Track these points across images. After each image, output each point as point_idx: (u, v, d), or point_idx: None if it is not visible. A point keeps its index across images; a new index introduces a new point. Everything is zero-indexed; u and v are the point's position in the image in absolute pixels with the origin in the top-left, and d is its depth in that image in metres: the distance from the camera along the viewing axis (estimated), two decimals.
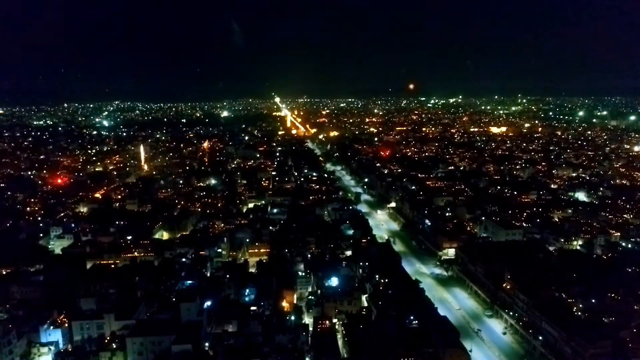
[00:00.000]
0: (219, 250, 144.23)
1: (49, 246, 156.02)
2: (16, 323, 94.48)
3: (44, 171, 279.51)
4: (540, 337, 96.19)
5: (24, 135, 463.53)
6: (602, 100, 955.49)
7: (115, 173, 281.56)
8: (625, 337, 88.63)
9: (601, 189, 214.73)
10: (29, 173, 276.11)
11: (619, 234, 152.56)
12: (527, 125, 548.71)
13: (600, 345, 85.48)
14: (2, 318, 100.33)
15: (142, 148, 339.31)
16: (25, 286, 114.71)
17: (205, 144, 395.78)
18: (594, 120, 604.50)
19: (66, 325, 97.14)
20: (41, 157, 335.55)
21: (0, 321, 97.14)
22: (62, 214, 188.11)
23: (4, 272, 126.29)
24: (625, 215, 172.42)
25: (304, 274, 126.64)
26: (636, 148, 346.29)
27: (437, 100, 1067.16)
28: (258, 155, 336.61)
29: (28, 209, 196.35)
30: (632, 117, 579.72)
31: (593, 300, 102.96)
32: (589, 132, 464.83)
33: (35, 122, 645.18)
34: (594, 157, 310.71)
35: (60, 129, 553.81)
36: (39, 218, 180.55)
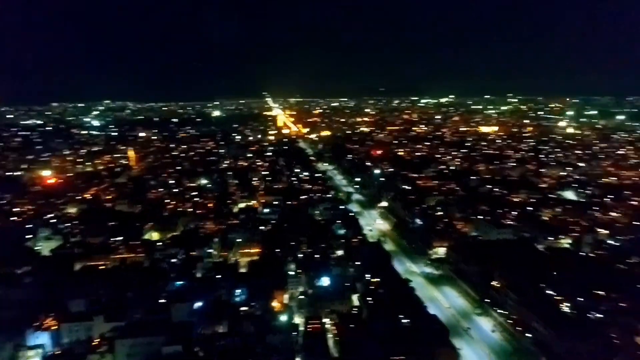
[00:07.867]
0: (210, 250, 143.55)
1: (37, 248, 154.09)
2: (3, 326, 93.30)
3: (33, 171, 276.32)
4: (530, 335, 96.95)
5: (12, 135, 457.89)
6: (591, 100, 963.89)
7: (105, 173, 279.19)
8: (613, 334, 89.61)
9: (589, 187, 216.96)
10: (17, 173, 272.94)
11: (607, 231, 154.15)
12: (517, 124, 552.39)
13: (589, 342, 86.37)
14: None
15: (132, 148, 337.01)
16: (13, 288, 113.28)
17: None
18: (583, 119, 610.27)
19: (54, 327, 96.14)
20: (30, 157, 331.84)
21: None
22: (50, 215, 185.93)
23: None
24: (612, 214, 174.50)
25: (295, 274, 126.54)
26: (624, 147, 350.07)
27: (428, 100, 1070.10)
28: (249, 155, 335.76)
29: (16, 209, 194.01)
30: (621, 117, 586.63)
31: (582, 298, 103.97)
32: (578, 132, 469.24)
33: (23, 122, 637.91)
34: (582, 157, 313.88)
35: (49, 128, 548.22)
36: (27, 219, 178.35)
